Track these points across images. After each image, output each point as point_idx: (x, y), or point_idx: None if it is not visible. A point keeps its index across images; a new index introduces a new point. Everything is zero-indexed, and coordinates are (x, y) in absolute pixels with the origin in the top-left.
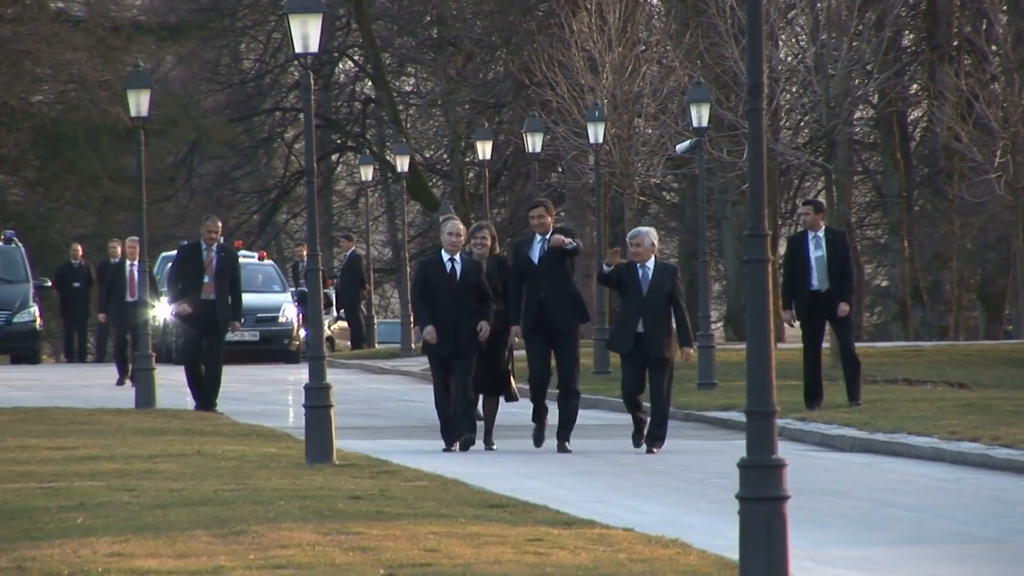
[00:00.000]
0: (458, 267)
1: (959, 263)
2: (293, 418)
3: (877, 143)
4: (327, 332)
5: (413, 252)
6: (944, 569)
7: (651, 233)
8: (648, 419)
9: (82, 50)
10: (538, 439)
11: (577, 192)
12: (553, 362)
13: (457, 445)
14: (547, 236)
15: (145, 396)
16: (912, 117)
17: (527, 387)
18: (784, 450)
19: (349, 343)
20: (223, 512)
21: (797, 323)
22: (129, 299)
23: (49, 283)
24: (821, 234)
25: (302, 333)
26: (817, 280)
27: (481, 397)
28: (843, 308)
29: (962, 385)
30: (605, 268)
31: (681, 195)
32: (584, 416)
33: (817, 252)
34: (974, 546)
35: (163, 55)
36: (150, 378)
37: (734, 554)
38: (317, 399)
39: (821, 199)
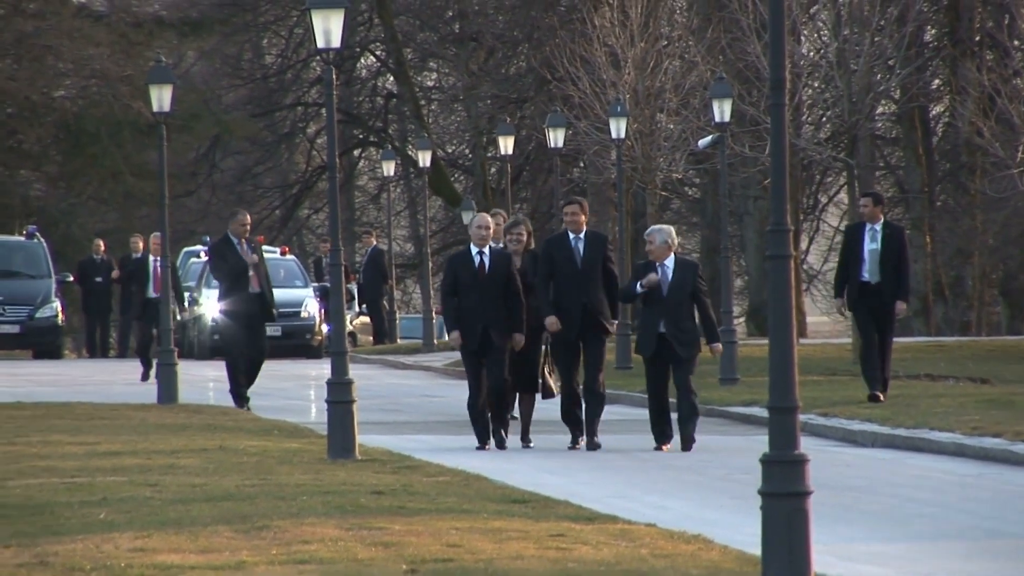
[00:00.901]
0: (487, 260)
1: (981, 258)
2: (315, 413)
3: (899, 138)
4: (349, 327)
5: (435, 247)
6: (966, 565)
7: (664, 230)
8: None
9: (104, 45)
10: (575, 444)
11: (599, 187)
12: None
13: (491, 444)
14: (580, 234)
15: (167, 391)
16: (934, 112)
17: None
18: (806, 445)
19: (371, 338)
20: (245, 507)
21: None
22: (152, 295)
23: (71, 278)
24: (879, 227)
25: (324, 328)
26: (868, 272)
27: (519, 395)
28: (900, 307)
29: (984, 381)
30: (638, 288)
31: (703, 190)
32: (606, 411)
33: (872, 245)
34: (996, 541)
35: (185, 50)
36: (172, 373)
37: (756, 549)
38: (339, 394)
39: (879, 191)
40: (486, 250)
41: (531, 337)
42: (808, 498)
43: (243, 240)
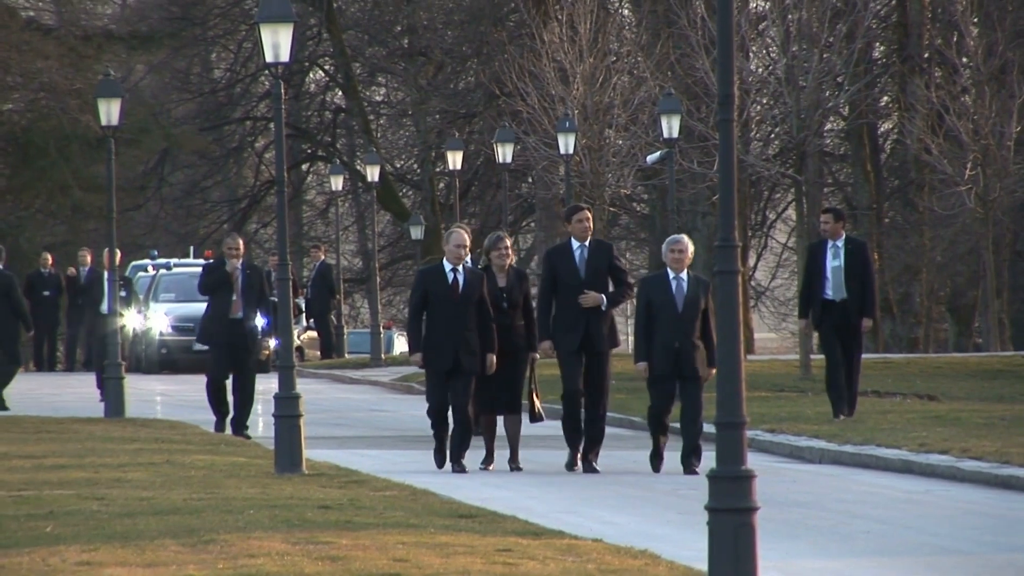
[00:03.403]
0: (460, 279)
1: (929, 275)
2: (263, 427)
3: (847, 155)
4: (297, 342)
5: (383, 262)
6: None
7: (685, 240)
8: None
9: (53, 58)
10: (571, 465)
11: (547, 203)
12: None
13: (449, 467)
14: (585, 243)
15: (115, 405)
16: (883, 129)
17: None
18: (753, 461)
19: (319, 353)
20: (192, 521)
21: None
22: (106, 311)
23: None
24: (840, 243)
25: (272, 342)
26: (832, 290)
27: (503, 416)
28: (866, 323)
29: (931, 397)
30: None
31: (651, 206)
32: (550, 427)
33: (834, 262)
34: (943, 558)
35: (134, 64)
36: (119, 387)
37: (703, 565)
38: (287, 408)
39: (839, 208)
40: (460, 268)
41: (515, 356)
42: (755, 514)
43: (234, 263)
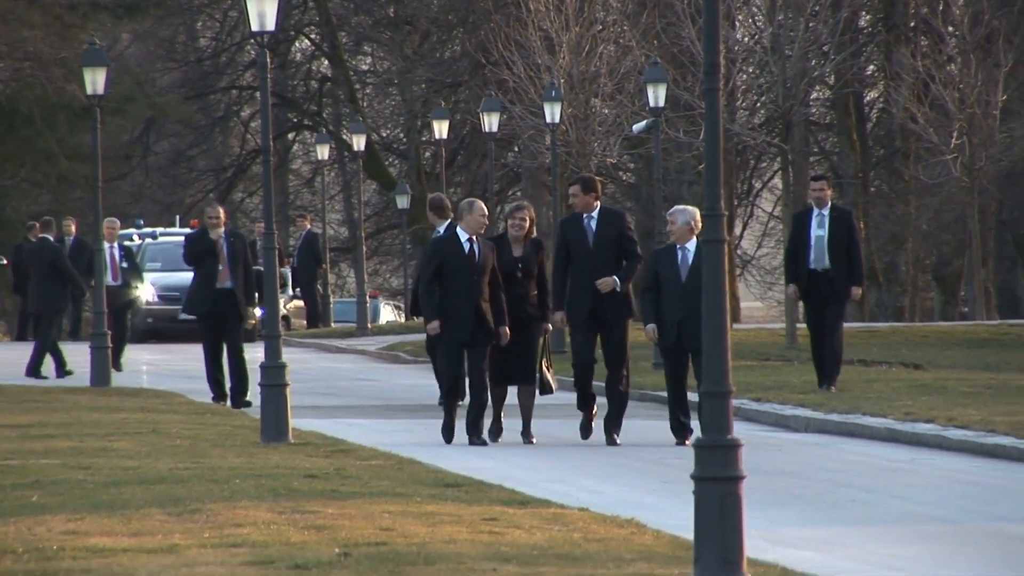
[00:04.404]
0: (477, 249)
1: (915, 244)
2: (249, 396)
3: (833, 124)
4: (283, 311)
5: (369, 231)
6: (898, 550)
7: (688, 211)
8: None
9: (38, 28)
10: (585, 429)
11: (533, 172)
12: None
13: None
14: (593, 213)
15: (101, 375)
16: (868, 98)
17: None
18: (739, 430)
19: (305, 322)
20: (178, 490)
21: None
22: (112, 283)
23: (4, 262)
24: (826, 212)
25: (258, 311)
26: (815, 260)
27: (517, 387)
28: (855, 292)
29: (917, 366)
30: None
31: (637, 175)
32: (540, 397)
33: (819, 231)
34: (928, 527)
35: (119, 33)
36: (105, 357)
37: (689, 534)
38: (273, 378)
39: (828, 175)
40: (475, 238)
41: (529, 327)
42: (741, 483)
43: (218, 232)
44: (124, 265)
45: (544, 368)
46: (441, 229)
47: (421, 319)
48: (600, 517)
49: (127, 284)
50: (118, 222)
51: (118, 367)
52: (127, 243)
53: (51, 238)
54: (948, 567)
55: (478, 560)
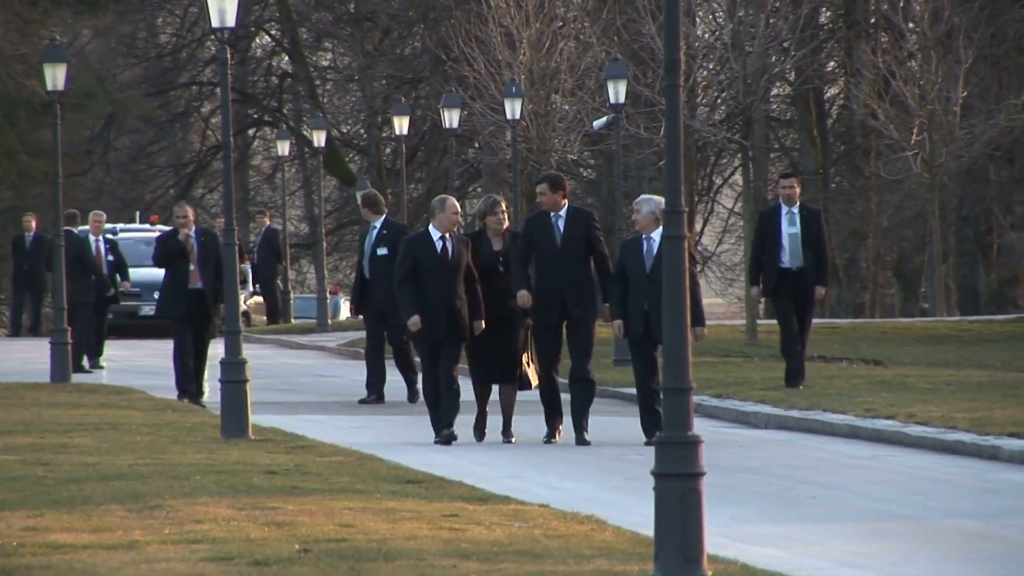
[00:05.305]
0: (450, 246)
1: (875, 241)
2: (209, 393)
3: (794, 120)
4: (243, 307)
5: (329, 227)
6: (859, 546)
7: (653, 201)
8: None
9: None
10: (549, 439)
11: (494, 168)
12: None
13: (443, 436)
14: (560, 212)
15: (61, 370)
16: (829, 94)
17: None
18: (700, 427)
19: (265, 318)
20: (138, 487)
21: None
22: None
23: None
24: (796, 210)
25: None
26: (789, 258)
27: (497, 386)
28: (819, 292)
29: (878, 362)
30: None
31: (598, 171)
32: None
33: (791, 229)
34: (889, 523)
35: (80, 29)
36: (65, 352)
37: (649, 530)
38: (233, 374)
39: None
40: (448, 235)
41: (511, 323)
42: (701, 479)
43: (188, 232)
44: (109, 258)
45: (524, 363)
46: (377, 224)
47: (362, 317)
48: (560, 514)
49: (111, 277)
50: (103, 215)
51: (96, 365)
52: (109, 236)
53: (75, 231)
54: (909, 564)
55: (438, 556)
